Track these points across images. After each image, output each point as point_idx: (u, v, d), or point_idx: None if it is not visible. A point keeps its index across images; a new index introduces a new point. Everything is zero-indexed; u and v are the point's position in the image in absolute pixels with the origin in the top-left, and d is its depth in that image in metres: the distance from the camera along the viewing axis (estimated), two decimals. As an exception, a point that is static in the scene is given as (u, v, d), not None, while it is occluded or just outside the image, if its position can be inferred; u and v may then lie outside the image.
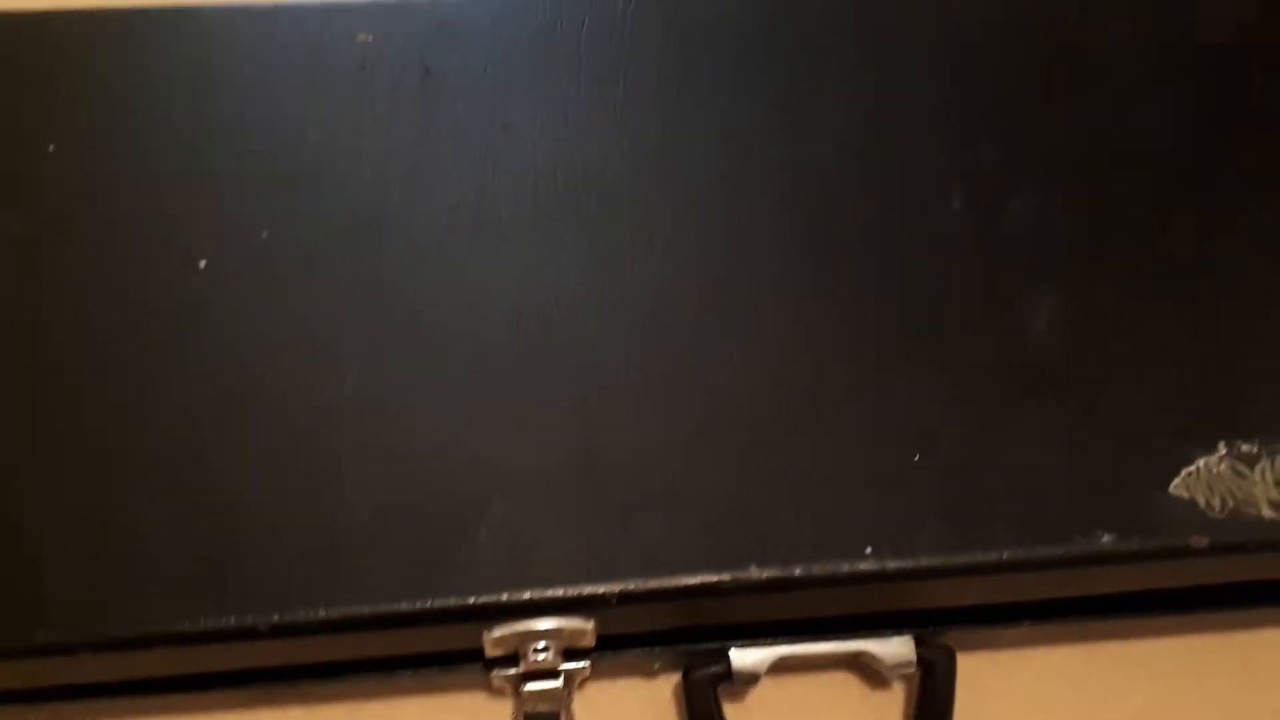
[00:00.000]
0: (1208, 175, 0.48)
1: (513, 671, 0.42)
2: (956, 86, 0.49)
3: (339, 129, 0.47)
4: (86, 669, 0.40)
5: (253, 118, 0.47)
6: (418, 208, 0.46)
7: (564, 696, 0.43)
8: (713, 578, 0.40)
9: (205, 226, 0.45)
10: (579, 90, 0.48)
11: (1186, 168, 0.48)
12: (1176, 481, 0.41)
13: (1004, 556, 0.40)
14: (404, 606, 0.39)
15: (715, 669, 0.43)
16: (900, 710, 0.46)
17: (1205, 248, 0.46)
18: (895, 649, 0.44)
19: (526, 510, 0.40)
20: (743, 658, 0.43)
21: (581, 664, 0.42)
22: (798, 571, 0.40)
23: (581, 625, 0.40)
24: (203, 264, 0.44)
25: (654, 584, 0.40)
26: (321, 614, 0.38)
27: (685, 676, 0.44)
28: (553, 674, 0.42)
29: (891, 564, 0.40)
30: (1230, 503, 0.41)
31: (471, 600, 0.39)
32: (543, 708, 0.43)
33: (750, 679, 0.43)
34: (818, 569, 0.40)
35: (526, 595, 0.39)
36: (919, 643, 0.44)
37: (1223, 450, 0.42)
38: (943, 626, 0.44)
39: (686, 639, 0.44)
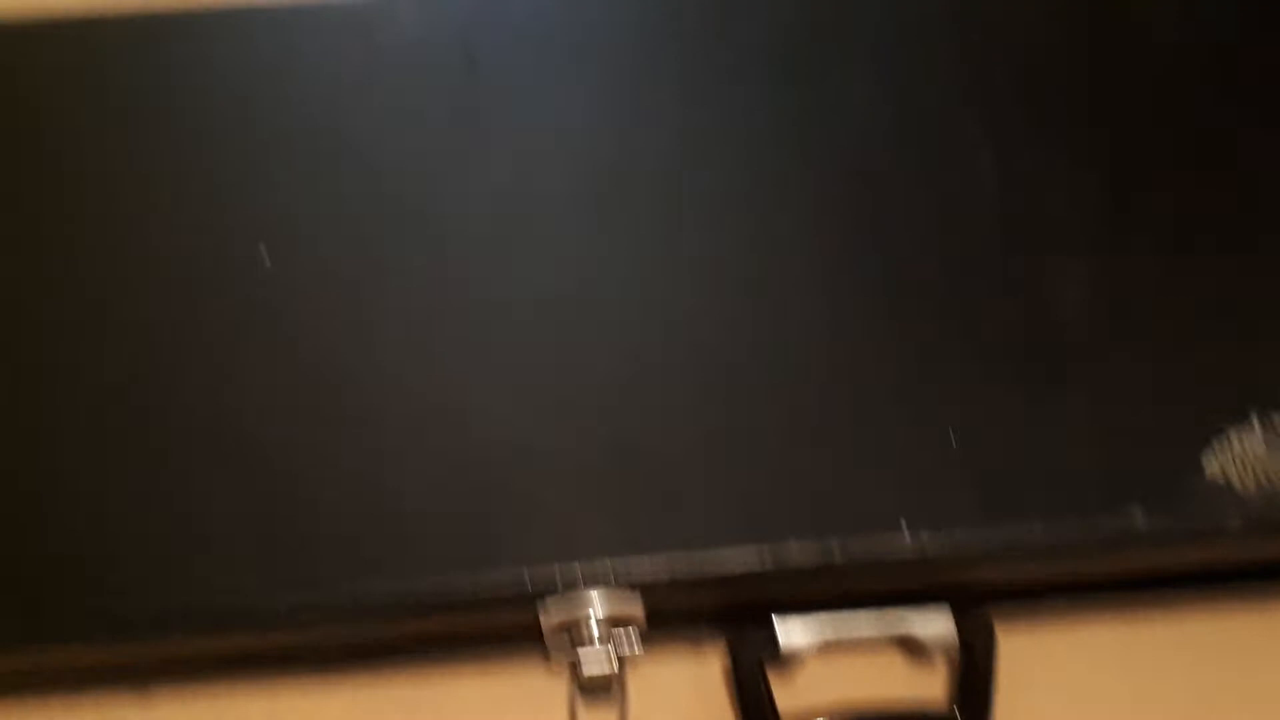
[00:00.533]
0: (1236, 147, 0.48)
1: (567, 649, 0.44)
2: (982, 71, 0.49)
3: (385, 123, 0.48)
4: (165, 648, 0.42)
5: (302, 114, 0.49)
6: (461, 200, 0.47)
7: (617, 673, 0.45)
8: (754, 559, 0.41)
9: (260, 225, 0.46)
10: (621, 82, 0.49)
11: (1214, 140, 0.48)
12: (1209, 459, 0.42)
13: (1040, 535, 0.41)
14: (463, 585, 0.41)
15: (762, 645, 0.44)
16: (943, 686, 0.47)
17: (1236, 223, 0.46)
18: (936, 627, 0.45)
19: (575, 495, 0.42)
20: (789, 635, 0.44)
21: (632, 639, 0.44)
22: (836, 550, 0.41)
23: (630, 604, 0.42)
24: (265, 260, 0.46)
25: (699, 565, 0.41)
26: (382, 594, 0.40)
27: (733, 655, 0.45)
28: (605, 652, 0.44)
29: (928, 543, 0.41)
30: (1264, 481, 0.42)
31: (526, 579, 0.41)
32: (596, 684, 0.45)
33: (796, 655, 0.45)
34: (855, 548, 0.41)
35: (578, 575, 0.41)
36: (959, 620, 0.45)
37: (1258, 428, 0.42)
38: (983, 604, 0.45)
39: (733, 616, 0.45)
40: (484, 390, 0.44)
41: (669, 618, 0.44)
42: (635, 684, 0.46)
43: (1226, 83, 0.49)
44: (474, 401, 0.44)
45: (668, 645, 0.46)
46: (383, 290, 0.46)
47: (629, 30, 0.51)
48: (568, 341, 0.45)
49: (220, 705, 0.46)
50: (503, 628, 0.44)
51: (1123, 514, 0.41)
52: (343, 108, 0.49)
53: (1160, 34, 0.50)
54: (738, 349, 0.45)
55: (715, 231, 0.47)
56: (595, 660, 0.44)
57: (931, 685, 0.47)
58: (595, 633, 0.42)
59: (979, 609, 0.45)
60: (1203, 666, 0.47)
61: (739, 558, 0.41)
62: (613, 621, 0.43)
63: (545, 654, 0.45)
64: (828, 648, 0.45)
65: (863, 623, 0.45)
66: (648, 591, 0.42)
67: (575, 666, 0.44)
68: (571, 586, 0.41)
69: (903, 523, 0.41)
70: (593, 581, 0.41)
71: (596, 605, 0.42)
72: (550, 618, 0.42)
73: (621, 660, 0.44)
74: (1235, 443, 0.42)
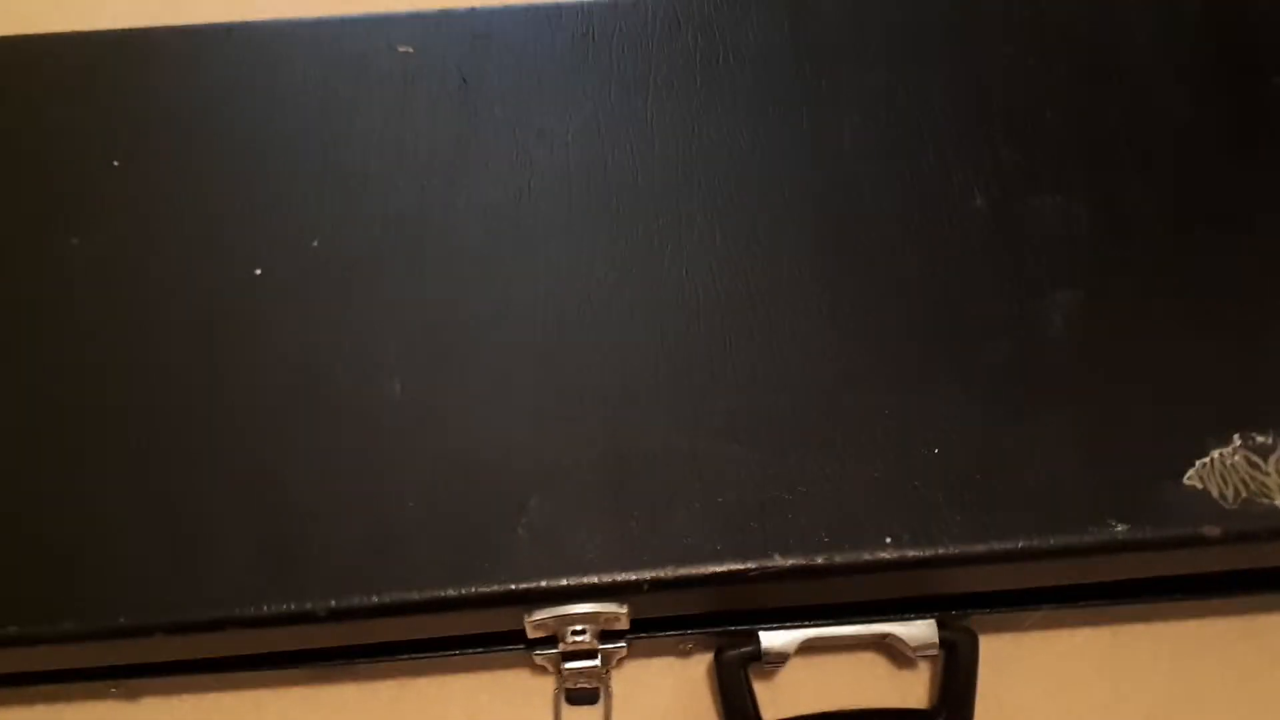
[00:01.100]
0: (1222, 173, 0.48)
1: (553, 651, 0.44)
2: (977, 91, 0.50)
3: (382, 137, 0.49)
4: (158, 649, 0.43)
5: (301, 128, 0.49)
6: (457, 212, 0.48)
7: (602, 674, 0.45)
8: (738, 566, 0.41)
9: (260, 235, 0.47)
10: (610, 97, 0.50)
11: (1200, 166, 0.49)
12: (1190, 472, 0.42)
13: (1019, 545, 0.42)
14: (450, 592, 0.41)
15: (745, 649, 0.45)
16: (925, 690, 0.47)
17: (1220, 242, 0.47)
18: (919, 631, 0.45)
19: (562, 502, 0.42)
20: (772, 639, 0.45)
21: (618, 645, 0.45)
22: (819, 560, 0.41)
23: (615, 610, 0.42)
24: (258, 271, 0.47)
25: (682, 572, 0.41)
26: (374, 599, 0.41)
27: (717, 656, 0.46)
28: (591, 654, 0.44)
29: (910, 552, 0.42)
30: (1243, 493, 0.42)
31: (512, 586, 0.41)
32: (582, 684, 0.46)
33: (779, 659, 0.45)
34: (839, 558, 0.42)
35: (564, 582, 0.41)
36: (942, 625, 0.45)
37: (1237, 442, 0.43)
38: (965, 610, 0.46)
39: (717, 621, 0.46)
40: (474, 400, 0.44)
41: (654, 622, 0.45)
42: (620, 687, 0.47)
43: (1209, 116, 0.49)
44: (465, 411, 0.44)
45: (652, 649, 0.47)
46: (378, 301, 0.46)
47: (620, 49, 0.51)
48: (557, 353, 0.45)
49: (208, 706, 0.47)
50: (489, 632, 0.44)
51: (1104, 525, 0.42)
52: (339, 123, 0.49)
53: (1144, 73, 0.50)
54: (726, 362, 0.45)
55: (705, 248, 0.47)
56: (580, 664, 0.44)
57: (914, 689, 0.47)
58: (580, 637, 0.43)
59: (961, 614, 0.46)
60: (1181, 672, 0.48)
61: (722, 567, 0.42)
62: (598, 626, 0.43)
63: (530, 657, 0.45)
64: (810, 649, 0.45)
65: (846, 626, 0.45)
66: (633, 598, 0.42)
67: (560, 670, 0.45)
68: (558, 592, 0.42)
69: (886, 533, 0.42)
70: (579, 587, 0.42)
71: (582, 611, 0.42)
72: (536, 622, 0.42)
73: (606, 664, 0.45)
74: (1215, 456, 0.43)
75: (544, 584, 0.41)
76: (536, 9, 0.52)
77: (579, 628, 0.43)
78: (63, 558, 0.42)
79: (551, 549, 0.42)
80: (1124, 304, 0.46)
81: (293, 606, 0.41)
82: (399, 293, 0.46)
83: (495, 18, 0.52)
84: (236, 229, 0.48)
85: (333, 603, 0.41)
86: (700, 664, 0.48)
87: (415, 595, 0.41)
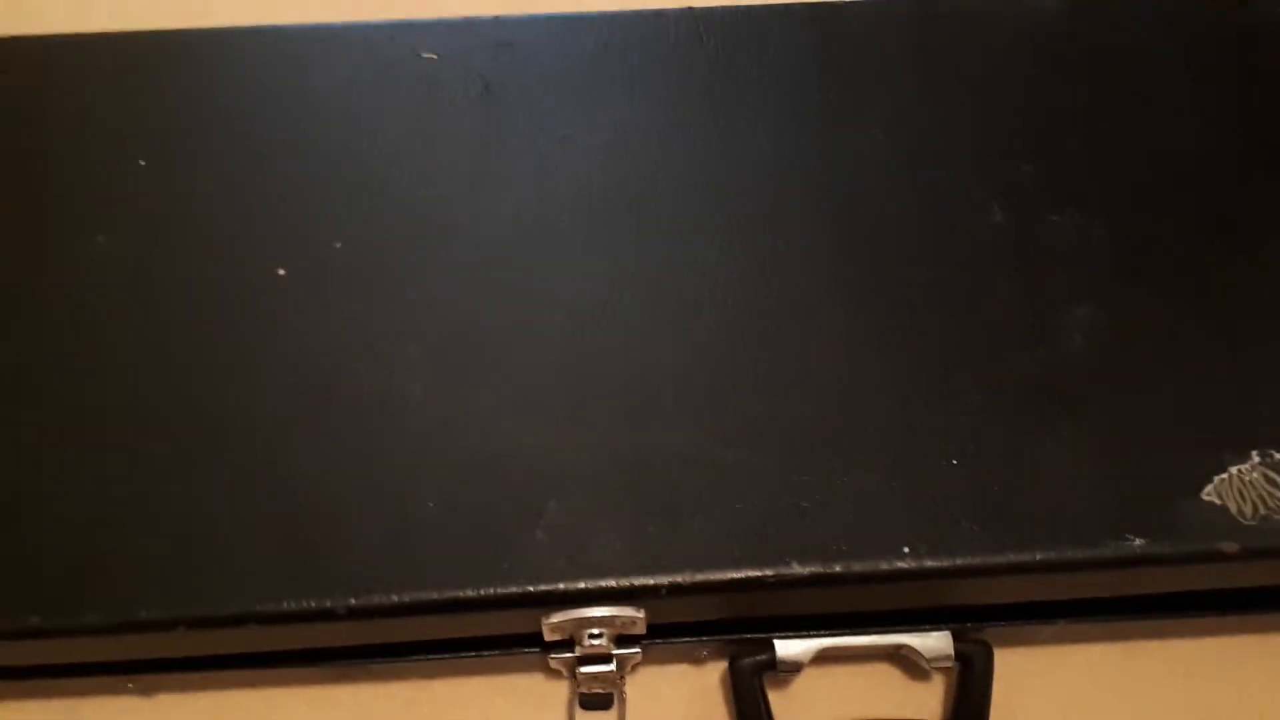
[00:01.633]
0: (1241, 189, 0.49)
1: (569, 655, 0.45)
2: (996, 107, 0.50)
3: (406, 142, 0.50)
4: (178, 643, 0.43)
5: (325, 131, 0.50)
6: (479, 218, 0.48)
7: (616, 679, 0.45)
8: (756, 573, 0.42)
9: (284, 236, 0.48)
10: (632, 106, 0.50)
11: (1220, 182, 0.49)
12: (1208, 488, 0.42)
13: (1037, 558, 0.42)
14: (469, 593, 0.41)
15: (760, 658, 0.45)
16: (939, 702, 0.47)
17: (1239, 258, 0.47)
18: (934, 643, 0.45)
19: (582, 505, 0.43)
20: (787, 648, 0.45)
21: (633, 650, 0.45)
22: (837, 568, 0.42)
23: (632, 614, 0.42)
24: (282, 271, 0.47)
25: (700, 578, 0.42)
26: (394, 598, 0.41)
27: (731, 664, 0.46)
28: (606, 658, 0.44)
29: (928, 563, 0.42)
30: (1261, 509, 0.42)
31: (530, 588, 0.41)
32: (596, 689, 0.46)
33: (794, 668, 0.45)
34: (856, 566, 0.42)
35: (581, 585, 0.42)
36: (957, 638, 0.45)
37: (1255, 459, 0.43)
38: (981, 622, 0.46)
39: (733, 629, 0.46)
40: (495, 402, 0.45)
41: (670, 628, 0.45)
42: (634, 693, 0.47)
43: (1228, 131, 0.50)
44: (484, 414, 0.44)
45: (667, 655, 0.47)
46: (400, 303, 0.46)
47: (642, 59, 0.52)
48: (577, 358, 0.45)
49: (223, 703, 0.47)
50: (505, 634, 0.45)
51: (1122, 539, 0.42)
52: (363, 127, 0.50)
53: (1164, 89, 0.51)
54: (746, 370, 0.45)
55: (725, 257, 0.47)
56: (596, 669, 0.45)
57: (928, 701, 0.47)
58: (597, 641, 0.43)
59: (977, 626, 0.46)
60: (1195, 690, 0.48)
61: (739, 573, 0.42)
62: (615, 630, 0.43)
63: (546, 660, 0.45)
64: (825, 659, 0.46)
65: (861, 636, 0.45)
66: (651, 602, 0.42)
67: (575, 674, 0.45)
68: (575, 594, 0.42)
69: (904, 543, 0.42)
70: (597, 590, 0.42)
71: (600, 614, 0.42)
72: (553, 624, 0.42)
73: (621, 669, 0.45)
74: (1234, 472, 0.43)
75: (562, 586, 0.42)
76: (560, 18, 0.53)
77: (596, 631, 0.43)
78: (87, 551, 0.42)
79: (570, 552, 0.42)
80: (1143, 319, 0.46)
81: (313, 604, 0.41)
82: (421, 295, 0.47)
83: (519, 26, 0.53)
84: (261, 230, 0.48)
85: (352, 601, 0.41)
86: (714, 671, 0.48)
87: (434, 595, 0.41)
